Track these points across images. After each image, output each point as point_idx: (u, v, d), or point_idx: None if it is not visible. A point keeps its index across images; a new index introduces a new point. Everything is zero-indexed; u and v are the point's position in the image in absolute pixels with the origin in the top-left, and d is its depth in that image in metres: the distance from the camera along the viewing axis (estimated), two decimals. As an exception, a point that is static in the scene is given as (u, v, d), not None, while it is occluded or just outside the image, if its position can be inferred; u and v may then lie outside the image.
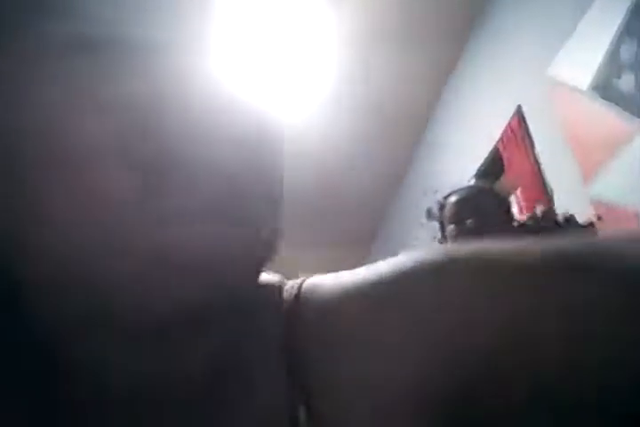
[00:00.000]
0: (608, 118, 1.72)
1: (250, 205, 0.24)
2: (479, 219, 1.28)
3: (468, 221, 1.28)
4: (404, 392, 0.24)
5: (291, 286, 0.31)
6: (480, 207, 1.32)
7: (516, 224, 1.22)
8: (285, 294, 0.30)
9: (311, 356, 0.27)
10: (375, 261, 0.30)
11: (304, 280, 0.32)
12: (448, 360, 0.24)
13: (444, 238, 1.38)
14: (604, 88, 1.73)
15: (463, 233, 1.28)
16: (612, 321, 0.22)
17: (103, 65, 0.23)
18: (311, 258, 4.79)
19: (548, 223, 1.19)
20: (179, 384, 0.27)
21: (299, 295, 0.30)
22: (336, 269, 0.32)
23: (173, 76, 0.23)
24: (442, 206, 1.38)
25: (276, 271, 0.33)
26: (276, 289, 0.31)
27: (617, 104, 1.67)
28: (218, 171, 0.23)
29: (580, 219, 1.51)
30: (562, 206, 1.84)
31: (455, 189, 1.42)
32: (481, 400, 0.23)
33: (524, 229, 1.22)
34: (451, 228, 1.31)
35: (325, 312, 0.28)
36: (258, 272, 0.27)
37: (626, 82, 1.63)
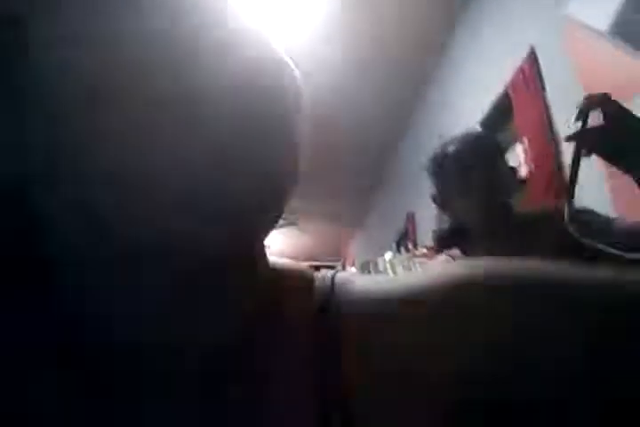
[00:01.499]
0: (628, 62, 1.60)
1: (226, 197, 0.25)
2: (484, 173, 1.18)
3: (474, 176, 1.18)
4: (439, 392, 0.27)
5: (322, 276, 0.34)
6: (484, 156, 1.22)
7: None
8: (318, 283, 0.33)
9: (348, 350, 0.29)
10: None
11: (334, 274, 0.35)
12: (477, 364, 0.27)
13: (443, 195, 1.26)
14: (626, 29, 1.61)
15: (469, 189, 1.18)
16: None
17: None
18: (312, 194, 4.75)
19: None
20: (204, 351, 0.29)
21: (333, 287, 0.33)
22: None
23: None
24: (440, 162, 1.25)
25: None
26: (307, 276, 0.34)
27: (638, 47, 1.55)
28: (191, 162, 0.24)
29: (589, 172, 1.43)
30: (569, 157, 1.76)
31: (449, 140, 1.29)
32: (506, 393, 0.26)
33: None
34: (453, 183, 1.21)
35: (369, 312, 0.30)
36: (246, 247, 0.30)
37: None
